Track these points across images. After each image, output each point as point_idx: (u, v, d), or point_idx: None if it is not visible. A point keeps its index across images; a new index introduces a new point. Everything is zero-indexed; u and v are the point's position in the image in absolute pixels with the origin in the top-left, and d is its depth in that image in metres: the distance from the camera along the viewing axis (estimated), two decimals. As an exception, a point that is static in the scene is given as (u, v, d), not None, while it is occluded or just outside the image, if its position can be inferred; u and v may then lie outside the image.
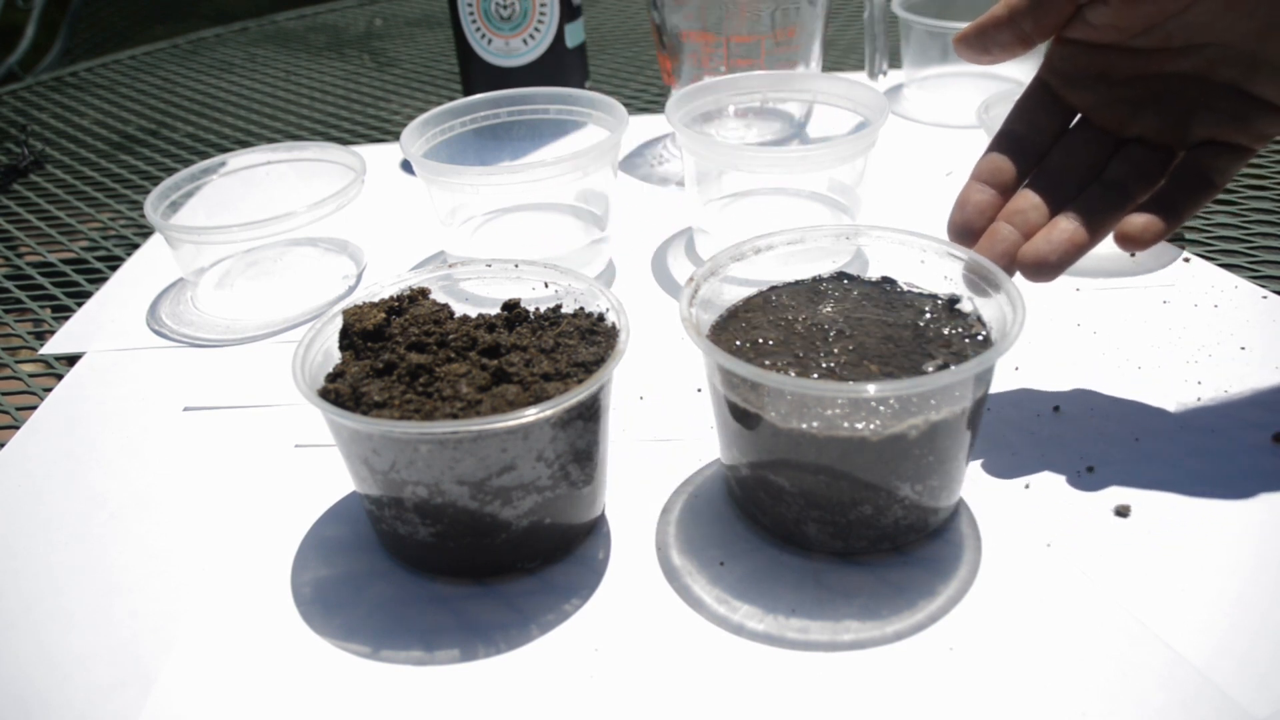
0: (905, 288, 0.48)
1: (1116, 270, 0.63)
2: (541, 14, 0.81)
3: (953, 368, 0.42)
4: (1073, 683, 0.38)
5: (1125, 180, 0.47)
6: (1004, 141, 0.50)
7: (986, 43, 0.50)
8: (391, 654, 0.41)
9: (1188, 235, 0.67)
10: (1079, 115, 0.50)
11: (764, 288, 0.48)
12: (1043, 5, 0.48)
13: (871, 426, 0.40)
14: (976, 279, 0.45)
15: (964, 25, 0.83)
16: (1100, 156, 0.48)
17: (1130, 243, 0.45)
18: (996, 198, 0.48)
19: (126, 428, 0.55)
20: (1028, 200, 0.48)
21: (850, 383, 0.41)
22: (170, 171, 0.90)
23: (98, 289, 0.70)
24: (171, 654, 0.41)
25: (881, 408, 0.40)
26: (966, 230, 0.48)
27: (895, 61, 0.95)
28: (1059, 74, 0.50)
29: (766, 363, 0.43)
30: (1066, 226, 0.46)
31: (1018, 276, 0.46)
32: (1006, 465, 0.48)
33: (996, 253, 0.46)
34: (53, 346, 0.64)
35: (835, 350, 0.44)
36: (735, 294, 0.48)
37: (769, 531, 0.45)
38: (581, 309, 0.47)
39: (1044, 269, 0.45)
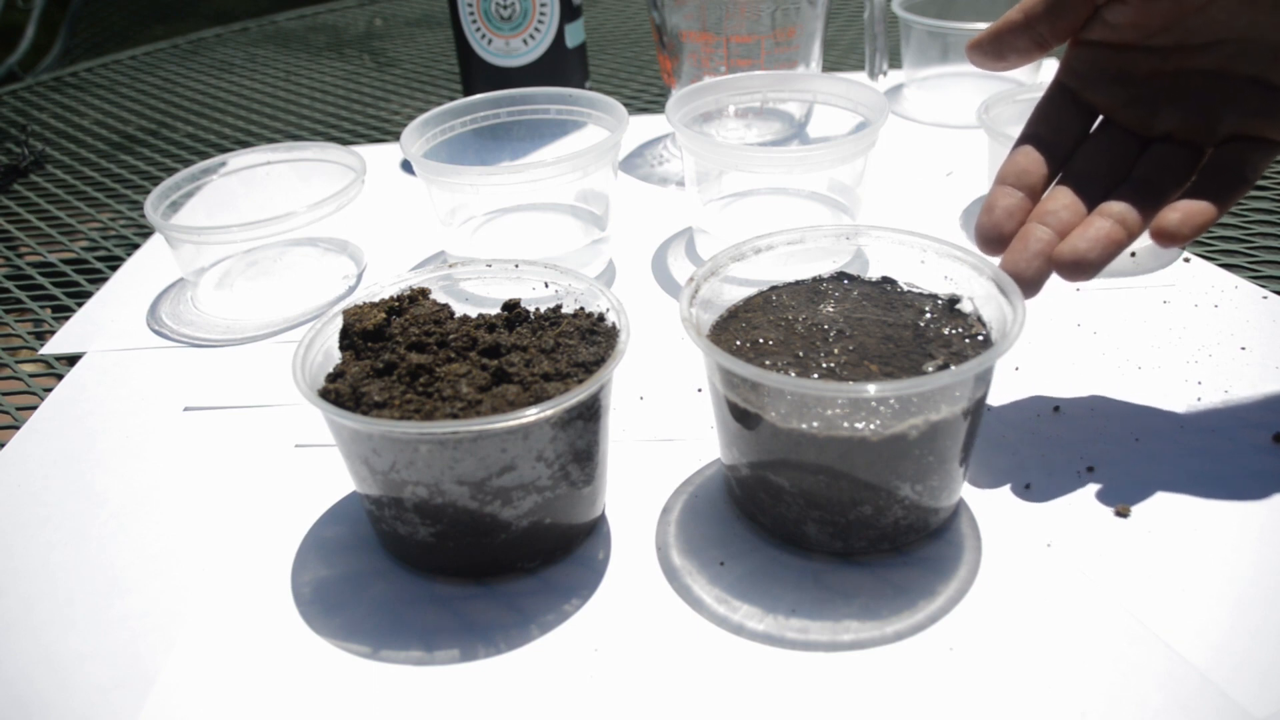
0: (905, 288, 0.48)
1: (1116, 270, 0.63)
2: (541, 14, 0.81)
3: (953, 368, 0.42)
4: (1073, 683, 0.38)
5: (1156, 178, 0.46)
6: (1028, 144, 0.49)
7: (1002, 49, 0.49)
8: (391, 654, 0.41)
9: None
10: (1101, 117, 0.49)
11: (764, 288, 0.48)
12: (1060, 8, 0.47)
13: (871, 426, 0.40)
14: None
15: (964, 25, 0.84)
16: (1127, 156, 0.48)
17: (1169, 238, 0.44)
18: (1025, 200, 0.47)
19: (126, 428, 0.55)
20: (1059, 200, 0.46)
21: (850, 383, 0.41)
22: (170, 171, 0.90)
23: (98, 289, 0.70)
24: (171, 654, 0.41)
25: (881, 408, 0.40)
26: (996, 234, 0.46)
27: (895, 61, 0.95)
28: (1078, 76, 0.49)
29: (766, 363, 0.43)
30: (1102, 224, 0.44)
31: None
32: (1006, 465, 0.48)
33: (1031, 253, 0.44)
34: (53, 346, 0.64)
35: (835, 350, 0.44)
36: (735, 294, 0.48)
37: (769, 531, 0.45)
38: (581, 309, 0.47)
39: (1082, 267, 0.44)
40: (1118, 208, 0.45)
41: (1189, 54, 0.46)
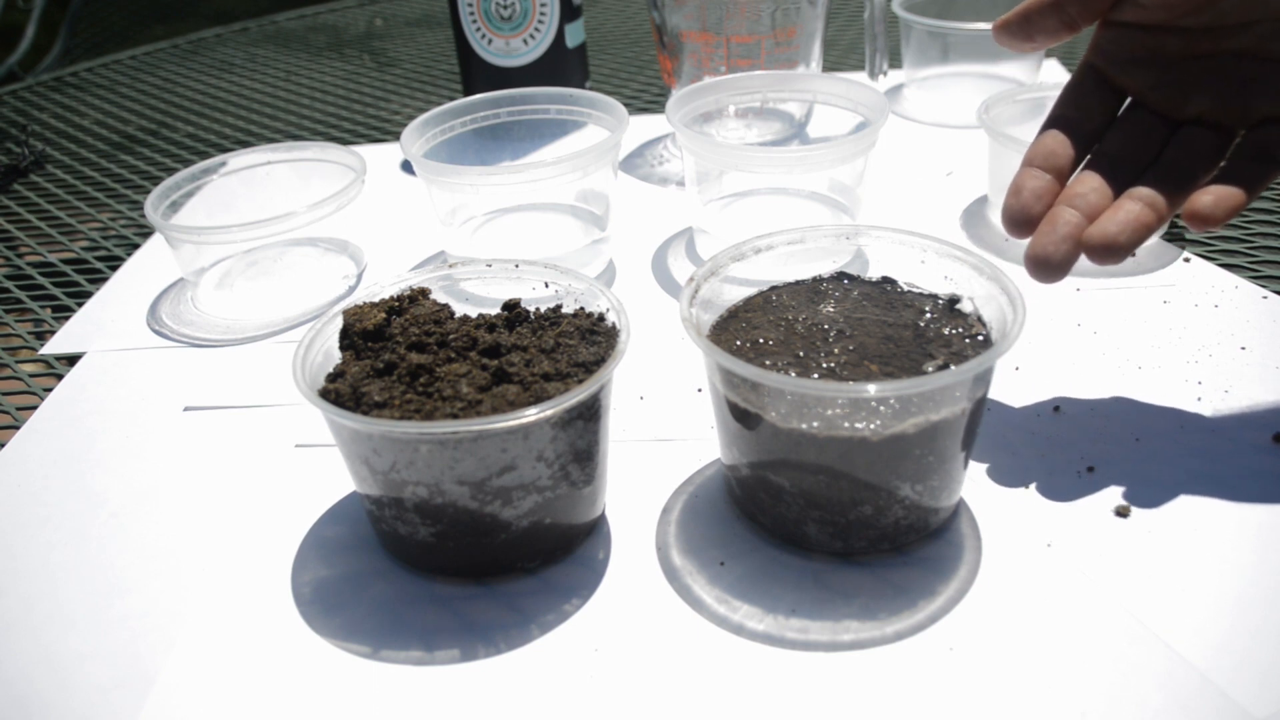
0: (905, 288, 0.48)
1: (1117, 270, 0.63)
2: (541, 14, 0.81)
3: (953, 368, 0.42)
4: (1073, 683, 0.38)
5: (1186, 161, 0.46)
6: (1055, 126, 0.48)
7: (1030, 29, 0.48)
8: (391, 654, 0.41)
9: (1188, 235, 0.67)
10: (1130, 99, 0.48)
11: (764, 288, 0.48)
12: None
13: (872, 426, 0.40)
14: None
15: (964, 25, 0.84)
16: (1157, 139, 0.47)
17: (1202, 221, 0.43)
18: (1052, 183, 0.46)
19: (126, 428, 0.55)
20: (1088, 183, 0.46)
21: (850, 383, 0.41)
22: (170, 171, 0.90)
23: (98, 289, 0.70)
24: (171, 654, 0.41)
25: (881, 408, 0.40)
26: (1024, 216, 0.45)
27: (895, 61, 0.95)
28: (1108, 57, 0.48)
29: (767, 363, 0.43)
30: (1132, 207, 0.44)
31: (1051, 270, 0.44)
32: (1006, 465, 0.48)
33: (1059, 236, 0.43)
34: (53, 346, 0.64)
35: (835, 350, 0.44)
36: (735, 294, 0.48)
37: (769, 531, 0.45)
38: (581, 309, 0.47)
39: (1113, 250, 0.43)
40: (1147, 191, 0.44)
41: (1221, 35, 0.46)
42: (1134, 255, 0.64)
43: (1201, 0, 0.45)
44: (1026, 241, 0.46)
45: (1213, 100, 0.46)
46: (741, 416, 0.42)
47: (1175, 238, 0.67)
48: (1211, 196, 0.43)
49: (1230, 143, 0.46)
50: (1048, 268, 0.43)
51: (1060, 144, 0.47)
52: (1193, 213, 0.43)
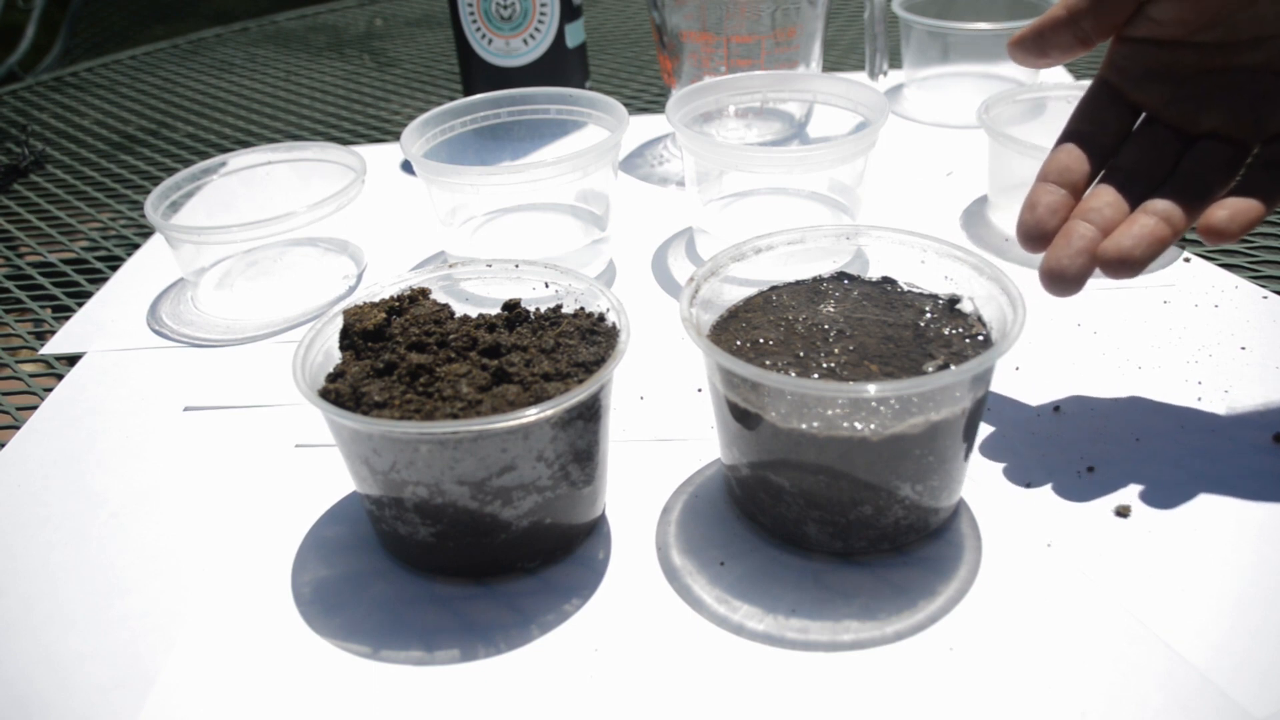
0: (905, 288, 0.48)
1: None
2: (541, 14, 0.81)
3: (953, 368, 0.42)
4: (1073, 683, 0.38)
5: (1201, 175, 0.46)
6: (1070, 141, 0.48)
7: (1044, 45, 0.49)
8: (391, 654, 0.41)
9: (1188, 235, 0.67)
10: (1145, 114, 0.48)
11: (764, 288, 0.49)
12: (1104, 4, 0.47)
13: (871, 426, 0.40)
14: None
15: (964, 25, 0.84)
16: (1172, 154, 0.47)
17: (1217, 235, 0.43)
18: (1067, 198, 0.46)
19: (126, 428, 0.55)
20: (1102, 197, 0.46)
21: (850, 383, 0.41)
22: (170, 171, 0.90)
23: (98, 289, 0.70)
24: (171, 654, 0.41)
25: (881, 408, 0.40)
26: (1039, 231, 0.46)
27: (895, 61, 0.95)
28: (1122, 72, 0.49)
29: (767, 363, 0.43)
30: (1147, 221, 0.44)
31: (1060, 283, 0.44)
32: (1006, 465, 0.48)
33: (1074, 250, 0.44)
34: (53, 346, 0.64)
35: (835, 350, 0.44)
36: (735, 294, 0.48)
37: (769, 531, 0.45)
38: (582, 309, 0.47)
39: (1128, 264, 0.43)
40: (1162, 205, 0.44)
41: (1236, 50, 0.46)
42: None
43: (1215, 16, 0.45)
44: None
45: (1227, 115, 0.46)
46: (741, 416, 0.42)
47: (1175, 238, 0.67)
48: (1227, 211, 0.43)
49: (1245, 157, 0.46)
50: (1063, 282, 0.44)
51: (1075, 159, 0.47)
52: (1207, 227, 0.43)
